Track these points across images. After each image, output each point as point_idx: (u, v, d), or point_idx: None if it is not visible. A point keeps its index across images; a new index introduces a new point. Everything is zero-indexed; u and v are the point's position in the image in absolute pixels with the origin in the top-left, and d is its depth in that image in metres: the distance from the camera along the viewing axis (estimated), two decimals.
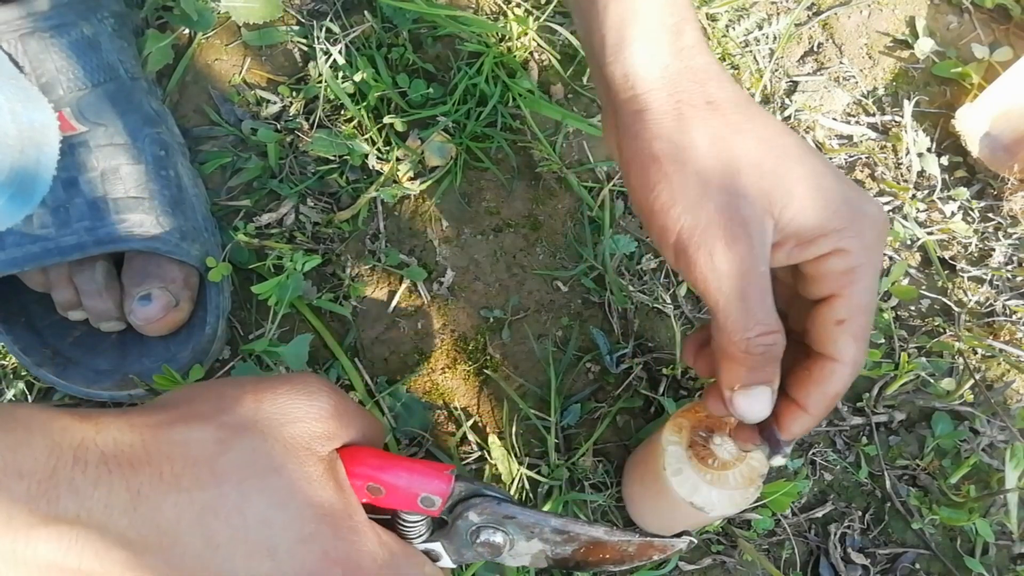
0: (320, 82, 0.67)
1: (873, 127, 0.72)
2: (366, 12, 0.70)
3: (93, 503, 0.32)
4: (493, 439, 0.61)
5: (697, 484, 0.49)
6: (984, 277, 0.68)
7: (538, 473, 0.61)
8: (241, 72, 0.69)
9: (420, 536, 0.42)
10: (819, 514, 0.63)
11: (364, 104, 0.66)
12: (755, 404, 0.40)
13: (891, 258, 0.69)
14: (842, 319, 0.39)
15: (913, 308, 0.68)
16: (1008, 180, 0.69)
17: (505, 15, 0.70)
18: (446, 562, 0.43)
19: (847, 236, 0.38)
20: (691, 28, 0.40)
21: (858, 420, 0.65)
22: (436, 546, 0.43)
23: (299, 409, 0.38)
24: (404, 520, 0.42)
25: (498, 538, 0.42)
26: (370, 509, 0.40)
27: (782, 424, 0.41)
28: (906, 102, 0.72)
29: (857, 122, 0.72)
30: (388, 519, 0.42)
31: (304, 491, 0.36)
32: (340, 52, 0.68)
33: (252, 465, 0.35)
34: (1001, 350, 0.66)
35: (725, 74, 0.40)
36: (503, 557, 0.43)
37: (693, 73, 0.39)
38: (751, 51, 0.72)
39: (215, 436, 0.36)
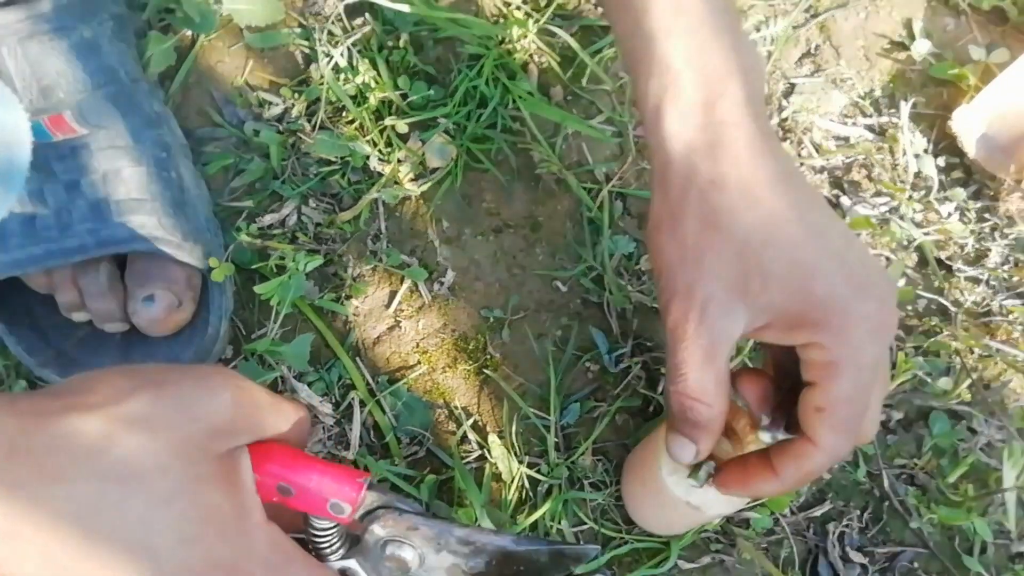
0: (322, 84, 0.67)
1: (870, 128, 0.72)
2: (367, 15, 0.70)
3: None
4: (493, 438, 0.61)
5: (694, 484, 0.49)
6: (981, 277, 0.69)
7: (538, 472, 0.61)
8: (243, 74, 0.69)
9: (335, 551, 0.41)
10: (817, 513, 0.63)
11: (365, 106, 0.67)
12: (680, 451, 0.45)
13: (888, 259, 0.69)
14: (821, 407, 0.40)
15: (910, 308, 0.68)
16: (1004, 181, 0.70)
17: (505, 18, 0.71)
18: None
19: (823, 332, 0.39)
20: (728, 102, 0.40)
21: None
22: (352, 563, 0.41)
23: (198, 406, 0.37)
24: (316, 529, 0.40)
25: (405, 553, 0.40)
26: (284, 519, 0.39)
27: (750, 479, 0.44)
28: (903, 103, 0.72)
29: (854, 123, 0.72)
30: (302, 537, 0.40)
31: (190, 492, 0.35)
32: (342, 54, 0.68)
33: (137, 463, 0.34)
34: (998, 350, 0.66)
35: (751, 148, 0.40)
36: (416, 573, 0.41)
37: (711, 149, 0.40)
38: None
39: (102, 430, 0.34)
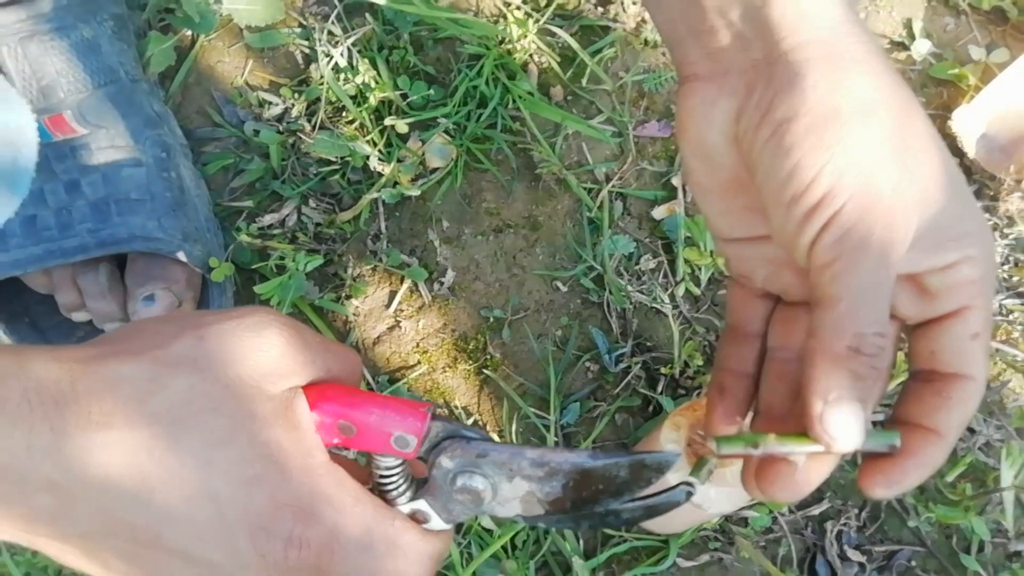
0: (322, 84, 0.67)
1: None
2: (367, 15, 0.70)
3: (13, 444, 0.29)
4: (493, 437, 0.61)
5: (696, 482, 0.49)
6: None
7: None
8: (243, 74, 0.69)
9: (402, 494, 0.38)
10: (816, 512, 0.63)
11: (365, 106, 0.67)
12: (851, 425, 0.32)
13: None
14: (977, 332, 0.35)
15: None
16: (1004, 181, 0.70)
17: (505, 18, 0.71)
18: (436, 523, 0.38)
19: (977, 241, 0.34)
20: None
21: None
22: (421, 504, 0.38)
23: (246, 345, 0.34)
24: (381, 469, 0.38)
25: (476, 483, 0.37)
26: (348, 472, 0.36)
27: (919, 453, 0.35)
28: None
29: None
30: (369, 487, 0.38)
31: (248, 431, 0.33)
32: (342, 54, 0.68)
33: (188, 404, 0.32)
34: (997, 349, 0.66)
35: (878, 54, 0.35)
36: (490, 506, 0.38)
37: (860, 25, 0.34)
38: None
39: (148, 373, 0.32)
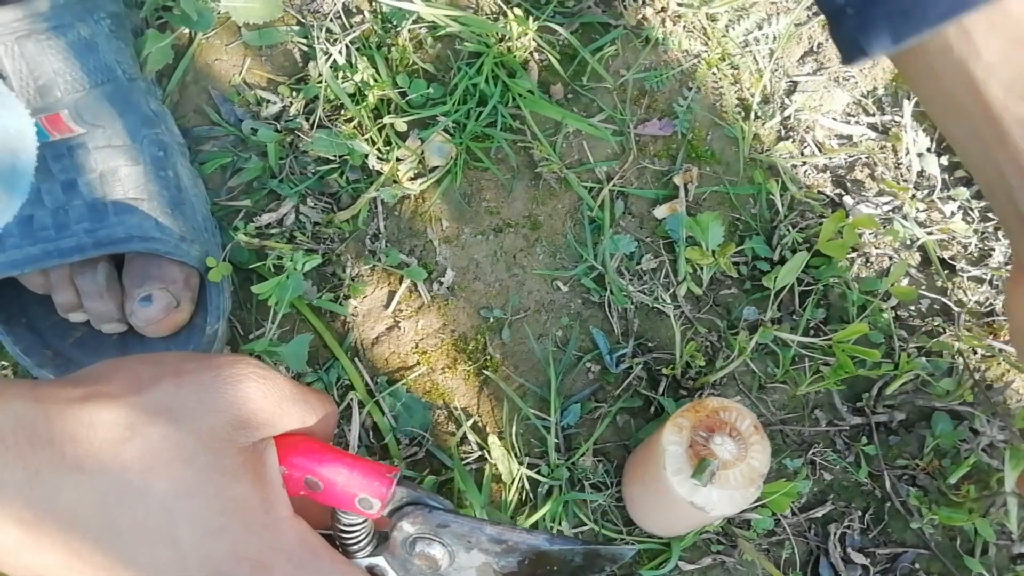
0: (320, 82, 0.67)
1: (873, 127, 0.72)
2: (366, 12, 0.70)
3: None
4: (493, 439, 0.61)
5: (698, 484, 0.49)
6: (984, 277, 0.68)
7: (538, 473, 0.61)
8: (241, 72, 0.69)
9: (362, 548, 0.40)
10: (819, 514, 0.63)
11: (364, 104, 0.66)
12: None
13: (891, 258, 0.69)
14: None
15: (913, 308, 0.68)
16: None
17: (505, 15, 0.70)
18: None
19: None
20: None
21: (858, 420, 0.65)
22: (379, 560, 0.40)
23: (222, 398, 0.35)
24: (343, 524, 0.39)
25: (435, 550, 0.38)
26: (310, 514, 0.38)
27: None
28: (906, 102, 0.72)
29: (857, 122, 0.72)
30: (329, 533, 0.39)
31: (215, 483, 0.34)
32: (340, 52, 0.68)
33: (160, 454, 0.33)
34: (1001, 350, 0.66)
35: None
36: (446, 571, 0.39)
37: None
38: (751, 51, 0.72)
39: (124, 420, 0.33)
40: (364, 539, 0.40)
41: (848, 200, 0.69)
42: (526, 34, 0.68)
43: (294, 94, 0.68)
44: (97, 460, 0.32)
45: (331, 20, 0.69)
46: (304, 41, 0.69)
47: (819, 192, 0.70)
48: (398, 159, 0.66)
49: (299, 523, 0.37)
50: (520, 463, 0.60)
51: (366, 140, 0.66)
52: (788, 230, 0.67)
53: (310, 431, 0.39)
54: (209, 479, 0.34)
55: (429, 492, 0.39)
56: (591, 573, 0.39)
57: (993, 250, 0.69)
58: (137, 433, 0.33)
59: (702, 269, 0.66)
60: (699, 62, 0.71)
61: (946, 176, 0.71)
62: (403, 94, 0.68)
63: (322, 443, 0.39)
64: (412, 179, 0.67)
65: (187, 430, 0.34)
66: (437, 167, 0.67)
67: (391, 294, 0.65)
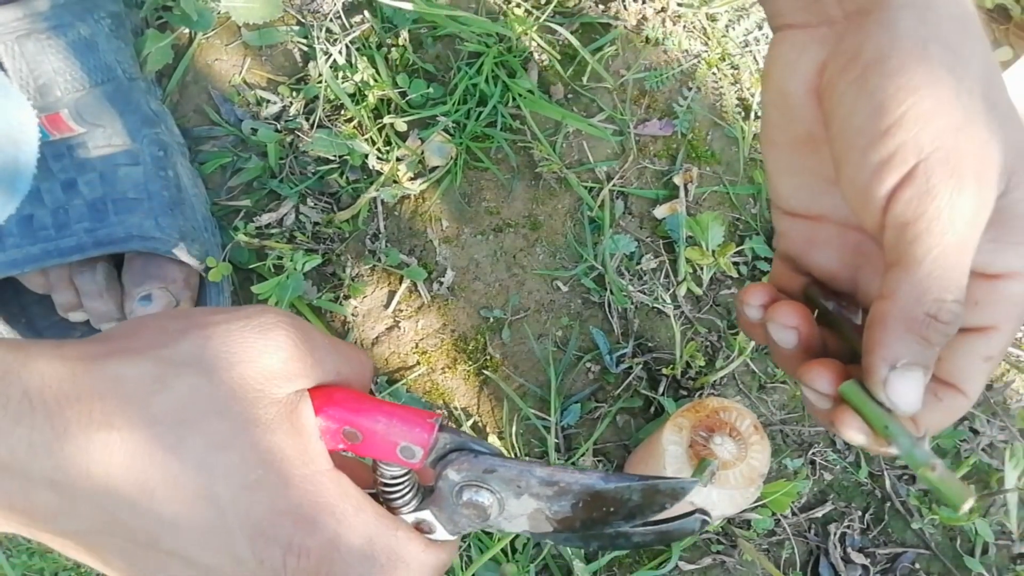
0: (320, 82, 0.67)
1: None
2: (366, 12, 0.70)
3: (14, 441, 0.29)
4: (493, 439, 0.61)
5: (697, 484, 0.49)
6: None
7: None
8: (241, 72, 0.69)
9: (407, 503, 0.38)
10: (819, 514, 0.63)
11: (364, 104, 0.66)
12: (912, 390, 0.32)
13: None
14: (991, 355, 0.33)
15: None
16: None
17: (505, 15, 0.70)
18: (441, 533, 0.38)
19: None
20: None
21: None
22: (426, 514, 0.37)
23: (252, 347, 0.34)
24: (386, 478, 0.37)
25: (483, 497, 0.36)
26: (352, 476, 0.36)
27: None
28: None
29: None
30: (373, 492, 0.37)
31: (251, 435, 0.32)
32: (340, 52, 0.68)
33: (191, 406, 0.32)
34: None
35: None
36: (496, 521, 0.37)
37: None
38: (751, 51, 0.72)
39: (152, 373, 0.32)
40: (409, 493, 0.37)
41: None
42: (526, 34, 0.68)
43: (294, 94, 0.68)
44: (126, 416, 0.31)
45: (331, 20, 0.69)
46: (304, 41, 0.69)
47: None
48: (398, 159, 0.66)
49: (340, 476, 0.35)
50: None
51: (366, 140, 0.66)
52: None
53: (345, 382, 0.37)
54: (243, 430, 0.32)
55: (473, 437, 0.37)
56: (650, 511, 0.37)
57: None
58: (166, 386, 0.32)
59: (702, 269, 0.66)
60: (699, 62, 0.71)
61: None
62: (403, 94, 0.68)
63: (359, 393, 0.37)
64: (412, 179, 0.67)
65: (218, 381, 0.33)
66: (437, 167, 0.67)
67: (391, 294, 0.65)
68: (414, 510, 0.37)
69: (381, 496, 0.38)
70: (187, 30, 0.68)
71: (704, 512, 0.39)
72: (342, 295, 0.65)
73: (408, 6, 0.67)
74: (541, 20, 0.69)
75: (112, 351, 0.33)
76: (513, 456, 0.40)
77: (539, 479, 0.36)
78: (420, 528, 0.38)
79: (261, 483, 0.32)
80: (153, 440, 0.31)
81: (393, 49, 0.69)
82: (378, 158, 0.66)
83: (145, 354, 0.33)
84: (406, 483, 0.37)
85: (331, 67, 0.67)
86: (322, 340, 0.36)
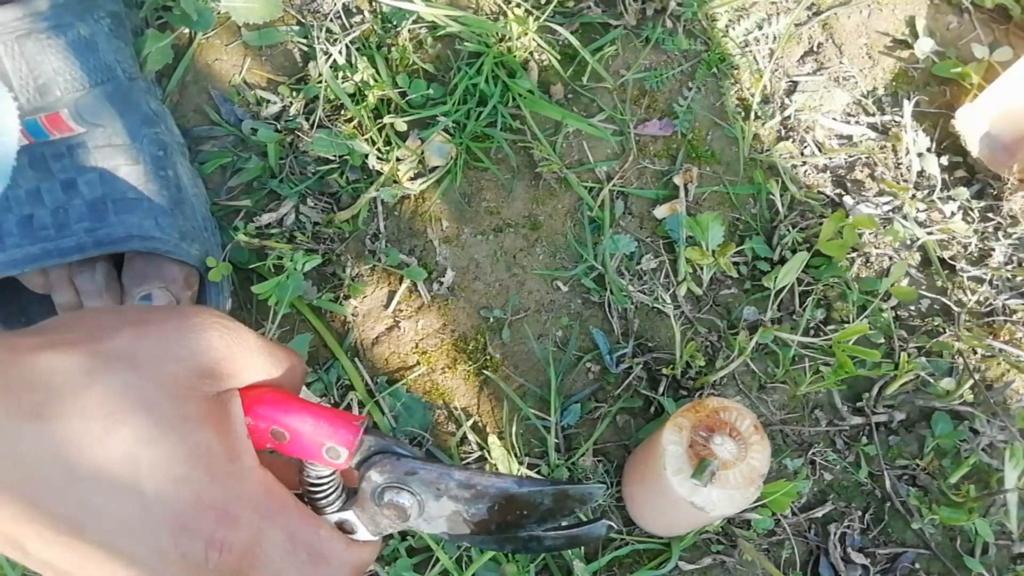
0: (320, 82, 0.67)
1: (873, 127, 0.72)
2: (366, 12, 0.70)
3: None
4: (493, 439, 0.61)
5: (698, 484, 0.49)
6: (984, 277, 0.68)
7: (538, 473, 0.61)
8: (241, 72, 0.69)
9: (331, 503, 0.39)
10: (819, 514, 0.63)
11: (364, 104, 0.66)
12: None
13: (891, 258, 0.69)
14: None
15: (913, 308, 0.68)
16: (1008, 180, 0.69)
17: (505, 15, 0.70)
18: (363, 534, 0.39)
19: None
20: None
21: (858, 420, 0.65)
22: (348, 515, 0.39)
23: (184, 345, 0.35)
24: (311, 478, 0.38)
25: (403, 499, 0.37)
26: (277, 474, 0.37)
27: None
28: (906, 102, 0.72)
29: (857, 122, 0.72)
30: (298, 492, 0.38)
31: (179, 430, 0.33)
32: (340, 52, 0.67)
33: (121, 400, 0.32)
34: (1001, 350, 0.66)
35: None
36: (416, 523, 0.38)
37: None
38: (751, 51, 0.72)
39: (84, 366, 0.32)
40: (333, 493, 0.39)
41: (848, 200, 0.69)
42: (526, 34, 0.68)
43: (294, 94, 0.68)
44: (55, 407, 0.31)
45: (331, 20, 0.69)
46: (304, 41, 0.69)
47: (819, 192, 0.70)
48: (398, 159, 0.66)
49: (265, 474, 0.36)
50: (520, 463, 0.60)
51: (366, 140, 0.66)
52: (788, 230, 0.67)
53: (276, 383, 0.38)
54: (172, 426, 0.33)
55: (398, 440, 0.38)
56: (561, 515, 0.38)
57: (993, 250, 0.69)
58: (97, 379, 0.32)
59: (702, 269, 0.66)
60: (699, 62, 0.71)
61: (946, 176, 0.71)
62: (403, 94, 0.68)
63: (288, 394, 0.38)
64: (412, 179, 0.67)
65: (149, 377, 0.33)
66: (437, 167, 0.67)
67: (391, 294, 0.65)
68: (338, 510, 0.39)
69: (306, 496, 0.39)
70: (187, 30, 0.68)
71: (609, 519, 0.41)
72: (342, 295, 0.65)
73: (408, 6, 0.67)
74: (541, 20, 0.69)
75: (46, 343, 0.33)
76: (455, 462, 0.41)
77: (458, 482, 0.37)
78: (343, 528, 0.39)
79: (187, 478, 0.33)
80: (82, 432, 0.31)
81: (393, 49, 0.69)
82: (378, 158, 0.66)
83: (78, 347, 0.33)
84: (331, 484, 0.38)
85: (331, 67, 0.67)
86: (255, 342, 0.37)
